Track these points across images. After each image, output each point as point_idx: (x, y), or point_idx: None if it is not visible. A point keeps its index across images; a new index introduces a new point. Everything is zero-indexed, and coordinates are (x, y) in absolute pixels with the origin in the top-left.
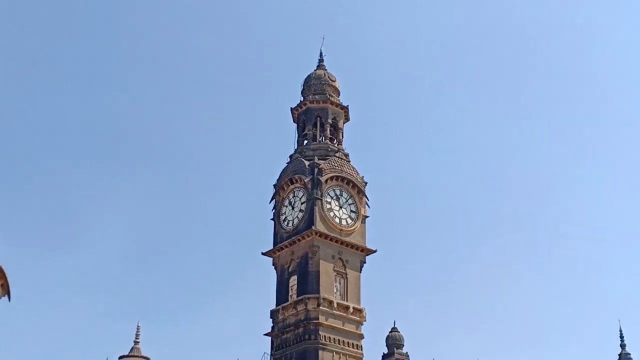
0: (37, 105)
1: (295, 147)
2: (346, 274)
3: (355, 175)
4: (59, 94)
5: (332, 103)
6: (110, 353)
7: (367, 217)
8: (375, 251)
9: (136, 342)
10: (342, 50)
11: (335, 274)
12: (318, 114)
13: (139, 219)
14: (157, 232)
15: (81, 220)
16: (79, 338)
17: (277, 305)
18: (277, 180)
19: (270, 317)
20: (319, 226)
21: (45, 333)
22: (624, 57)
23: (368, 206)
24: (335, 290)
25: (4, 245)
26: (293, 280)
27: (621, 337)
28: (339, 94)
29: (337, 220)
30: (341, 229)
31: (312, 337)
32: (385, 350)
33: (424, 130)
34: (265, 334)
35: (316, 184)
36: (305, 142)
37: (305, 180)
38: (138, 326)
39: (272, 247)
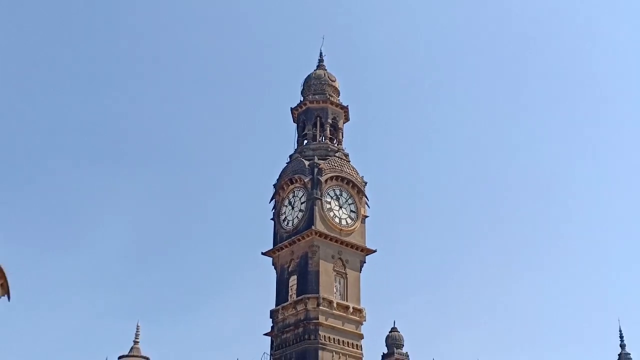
0: (37, 105)
1: (295, 147)
2: (346, 274)
3: (355, 175)
4: (59, 94)
5: (332, 103)
6: (109, 353)
7: (367, 217)
8: (375, 251)
9: (136, 342)
10: (342, 50)
11: (335, 273)
12: (318, 114)
13: (139, 219)
14: (157, 232)
15: (81, 220)
16: (79, 338)
17: (276, 305)
18: (277, 180)
19: (270, 317)
20: (319, 226)
21: (45, 333)
22: (624, 57)
23: (368, 206)
24: (335, 290)
25: (4, 245)
26: (293, 280)
27: (621, 337)
28: (339, 94)
29: (337, 220)
30: (341, 229)
31: (312, 337)
32: (385, 350)
33: (424, 130)
34: (265, 334)
35: (316, 183)
36: (305, 142)
37: (305, 180)
38: (138, 326)
39: (272, 247)
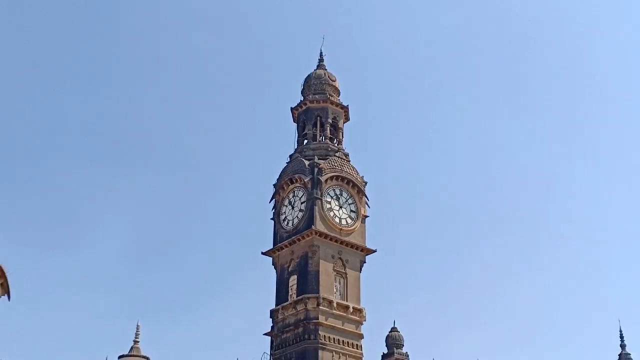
0: (37, 105)
1: (295, 147)
2: (346, 274)
3: (355, 175)
4: (59, 94)
5: (332, 103)
6: (109, 352)
7: (367, 216)
8: (375, 251)
9: (136, 342)
10: (342, 50)
11: (335, 273)
12: (318, 113)
13: (139, 219)
14: (157, 232)
15: (81, 220)
16: (79, 337)
17: (276, 304)
18: (277, 179)
19: (270, 317)
20: (319, 226)
21: (45, 332)
22: (624, 57)
23: (368, 206)
24: (335, 290)
25: (4, 245)
26: (293, 280)
27: (621, 337)
28: (339, 94)
29: (337, 220)
30: (341, 229)
31: (312, 336)
32: (385, 350)
33: (424, 130)
34: (265, 334)
35: (316, 183)
36: (305, 141)
37: (305, 180)
38: (138, 325)
39: (272, 247)
